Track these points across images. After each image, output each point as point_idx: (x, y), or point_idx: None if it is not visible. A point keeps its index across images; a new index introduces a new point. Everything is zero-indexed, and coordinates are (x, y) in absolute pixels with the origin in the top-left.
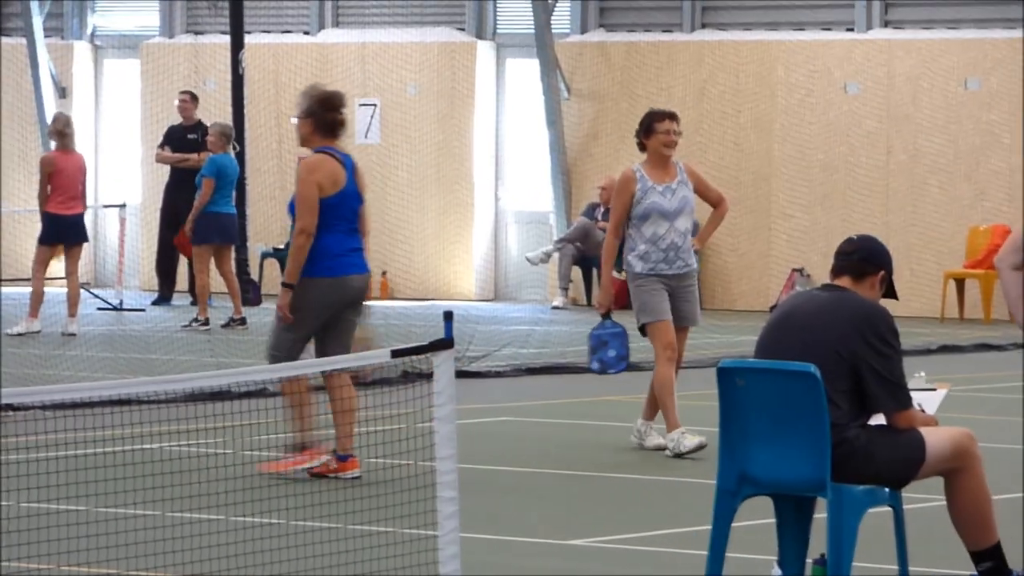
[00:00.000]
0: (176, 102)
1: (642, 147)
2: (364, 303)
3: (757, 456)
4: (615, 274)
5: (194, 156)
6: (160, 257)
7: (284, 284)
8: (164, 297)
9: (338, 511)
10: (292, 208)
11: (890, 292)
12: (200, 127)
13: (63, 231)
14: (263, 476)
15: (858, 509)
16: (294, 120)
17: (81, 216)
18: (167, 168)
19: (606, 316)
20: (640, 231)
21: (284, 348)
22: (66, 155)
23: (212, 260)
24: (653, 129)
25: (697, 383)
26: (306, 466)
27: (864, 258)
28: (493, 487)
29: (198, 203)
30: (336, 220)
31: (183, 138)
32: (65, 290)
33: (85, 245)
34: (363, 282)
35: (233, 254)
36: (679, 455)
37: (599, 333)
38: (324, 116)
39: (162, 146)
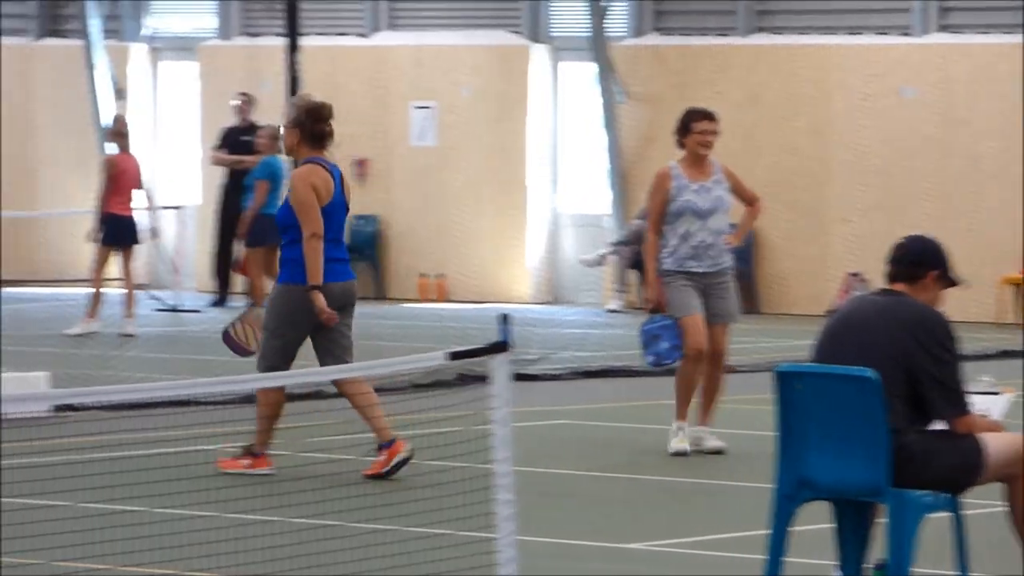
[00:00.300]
0: (234, 102)
1: (681, 145)
2: (352, 308)
3: (816, 460)
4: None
5: (249, 158)
6: (217, 258)
7: (311, 287)
8: (221, 298)
9: (395, 513)
10: (279, 218)
11: (952, 282)
12: (254, 129)
13: (123, 232)
14: (321, 478)
15: (918, 514)
16: (282, 129)
17: (132, 218)
18: (223, 169)
19: (654, 311)
20: (673, 228)
21: (268, 356)
22: (125, 157)
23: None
24: (690, 128)
25: (754, 387)
26: (242, 471)
27: (913, 261)
28: (550, 490)
29: (253, 206)
30: (324, 229)
31: (238, 140)
32: (123, 291)
33: (144, 246)
34: (347, 288)
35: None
36: (670, 451)
37: (649, 328)
38: (312, 127)
39: (218, 148)
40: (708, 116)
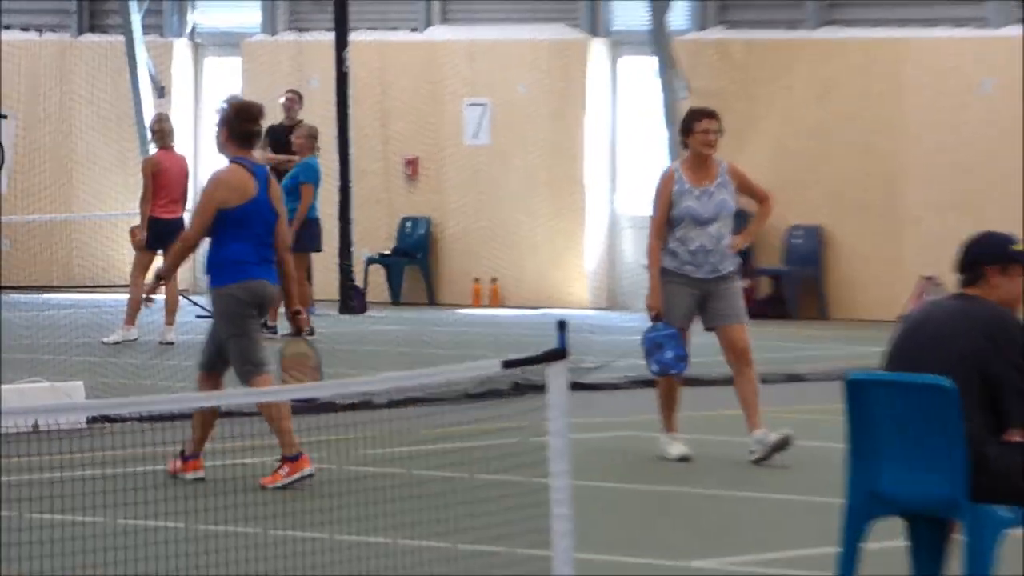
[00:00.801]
0: (282, 100)
1: (685, 146)
2: (266, 313)
3: (888, 474)
4: (741, 283)
5: (297, 157)
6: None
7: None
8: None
9: (447, 529)
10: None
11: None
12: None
13: (164, 236)
14: (366, 491)
15: (996, 530)
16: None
17: (182, 220)
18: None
19: (657, 318)
20: (673, 232)
21: (255, 358)
22: (168, 156)
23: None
24: (692, 128)
25: (823, 396)
26: (186, 475)
27: (970, 262)
28: (609, 504)
29: (301, 209)
30: (244, 231)
31: (286, 139)
32: (162, 297)
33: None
34: (271, 290)
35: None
36: (664, 458)
37: (653, 336)
38: (239, 127)
39: (264, 146)
40: (710, 115)
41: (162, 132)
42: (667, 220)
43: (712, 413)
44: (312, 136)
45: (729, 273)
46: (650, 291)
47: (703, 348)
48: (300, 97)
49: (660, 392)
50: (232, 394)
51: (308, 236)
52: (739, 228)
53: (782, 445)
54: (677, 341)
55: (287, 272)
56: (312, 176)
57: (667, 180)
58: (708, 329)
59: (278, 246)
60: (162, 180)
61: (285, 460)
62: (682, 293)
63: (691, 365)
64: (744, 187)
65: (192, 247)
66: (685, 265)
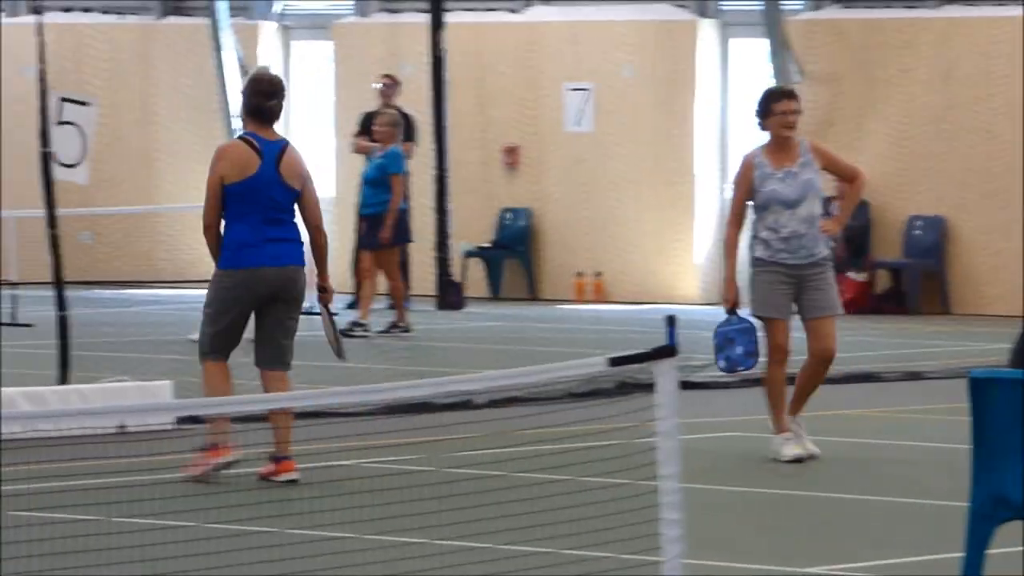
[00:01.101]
0: (377, 85)
1: (764, 128)
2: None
3: (1014, 476)
4: (854, 275)
5: (378, 145)
6: (357, 256)
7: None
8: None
9: (550, 534)
10: None
11: None
12: (402, 115)
13: None
14: (466, 495)
15: None
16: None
17: None
18: (363, 158)
19: (732, 311)
20: (762, 220)
21: (203, 343)
22: None
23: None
24: (770, 110)
25: (946, 394)
26: (218, 461)
27: None
28: (720, 508)
29: (396, 201)
30: (246, 209)
31: None
32: None
33: None
34: (278, 275)
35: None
36: (777, 459)
37: (725, 330)
38: (251, 101)
39: (358, 134)
40: (789, 95)
41: None
42: (752, 207)
43: (827, 413)
44: (395, 124)
45: (824, 258)
46: (725, 282)
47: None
48: (396, 82)
49: (767, 391)
50: (326, 393)
51: (398, 228)
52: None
53: (794, 462)
54: (750, 337)
55: (318, 249)
56: (400, 166)
57: (747, 166)
58: (803, 320)
59: (308, 224)
60: None
61: (278, 459)
62: (778, 283)
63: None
64: (830, 165)
65: (210, 229)
66: (779, 253)
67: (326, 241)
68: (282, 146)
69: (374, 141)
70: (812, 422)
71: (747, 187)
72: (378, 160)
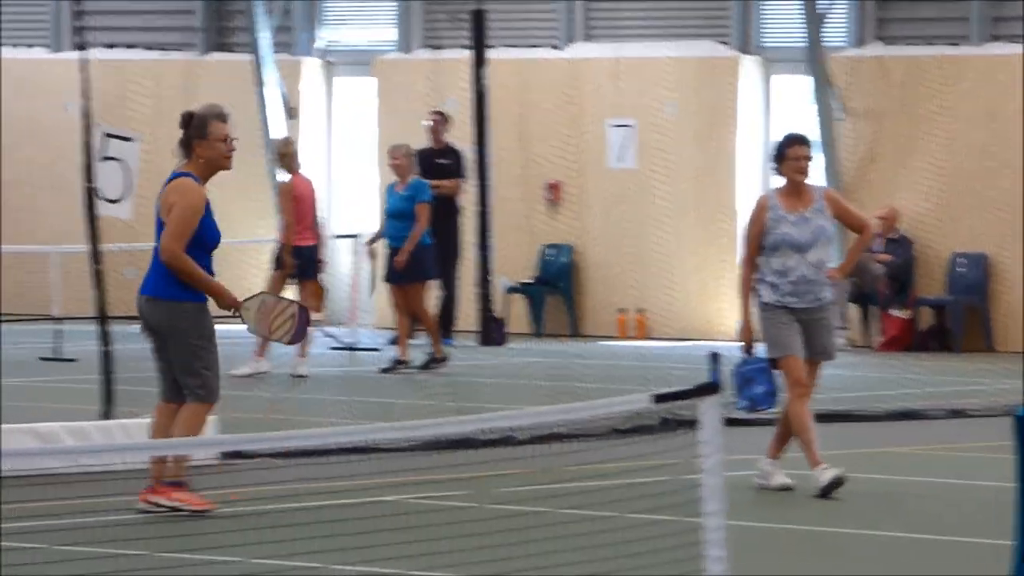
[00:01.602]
0: (426, 123)
1: (778, 173)
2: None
3: None
4: (897, 312)
5: (446, 183)
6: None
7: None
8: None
9: (595, 571)
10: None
11: None
12: (451, 151)
13: (300, 263)
14: (509, 531)
15: None
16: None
17: (315, 248)
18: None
19: (748, 351)
20: (769, 262)
21: (214, 374)
22: (301, 181)
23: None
24: (785, 155)
25: (990, 433)
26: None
27: None
28: (764, 545)
29: (419, 231)
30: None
31: (433, 163)
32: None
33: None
34: (138, 303)
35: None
36: (823, 494)
37: (744, 370)
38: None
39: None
40: (802, 141)
41: (290, 156)
42: (760, 250)
43: (871, 450)
44: (410, 155)
45: (828, 303)
46: (741, 324)
47: (860, 382)
48: (445, 119)
49: (795, 427)
50: (370, 429)
51: (422, 263)
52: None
53: (782, 489)
54: (768, 376)
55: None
56: (428, 194)
57: (761, 207)
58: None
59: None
60: (298, 206)
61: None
62: (788, 323)
63: (852, 401)
64: (841, 214)
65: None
66: (786, 296)
67: (177, 266)
68: (170, 179)
69: (429, 178)
70: (856, 459)
71: (760, 228)
72: (404, 192)
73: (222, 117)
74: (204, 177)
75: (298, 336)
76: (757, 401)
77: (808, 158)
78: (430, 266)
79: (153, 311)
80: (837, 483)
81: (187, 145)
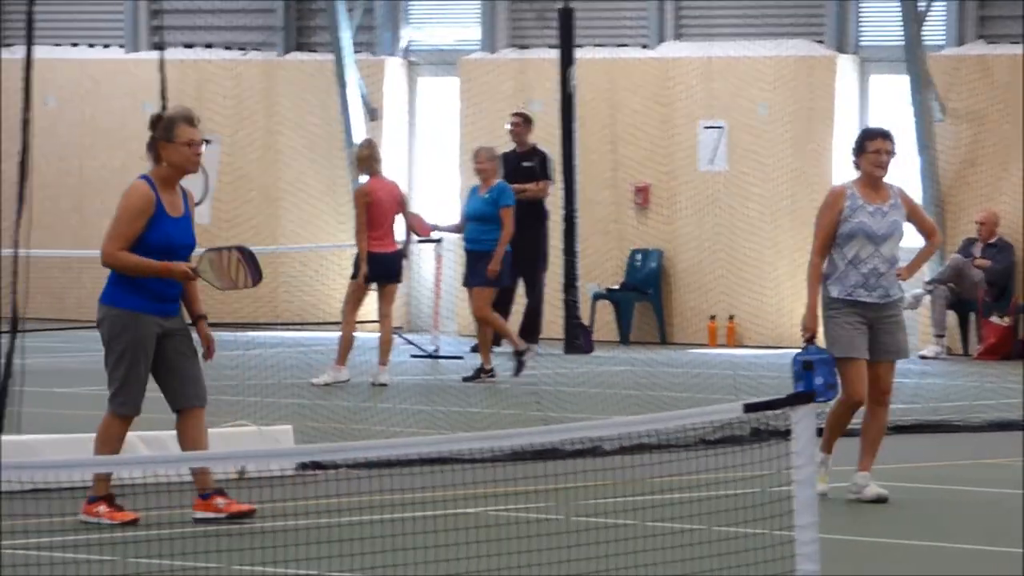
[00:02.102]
0: (507, 125)
1: (856, 166)
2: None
3: None
4: (997, 320)
5: (531, 186)
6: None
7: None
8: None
9: None
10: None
11: None
12: (536, 153)
13: (380, 269)
14: (595, 544)
15: None
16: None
17: (396, 253)
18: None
19: (811, 340)
20: (842, 251)
21: (135, 387)
22: (381, 184)
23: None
24: (864, 148)
25: None
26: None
27: None
28: (859, 560)
29: (508, 235)
30: None
31: (518, 166)
32: (375, 335)
33: (399, 286)
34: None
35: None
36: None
37: (804, 358)
38: None
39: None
40: (884, 135)
41: (372, 158)
42: (833, 238)
43: (968, 462)
44: (495, 158)
45: (898, 299)
46: (807, 311)
47: (958, 391)
48: (528, 120)
49: (829, 422)
50: (453, 439)
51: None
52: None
53: (876, 502)
54: (830, 368)
55: None
56: (512, 199)
57: (838, 195)
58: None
59: None
60: (375, 211)
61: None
62: (854, 322)
63: (950, 411)
64: (914, 216)
65: None
66: (856, 289)
67: (117, 265)
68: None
69: (513, 183)
70: (953, 471)
71: (835, 216)
72: (486, 195)
73: (190, 120)
74: (169, 181)
75: (256, 273)
76: (817, 392)
77: (889, 153)
78: (503, 271)
79: (98, 316)
80: (879, 500)
81: (154, 148)
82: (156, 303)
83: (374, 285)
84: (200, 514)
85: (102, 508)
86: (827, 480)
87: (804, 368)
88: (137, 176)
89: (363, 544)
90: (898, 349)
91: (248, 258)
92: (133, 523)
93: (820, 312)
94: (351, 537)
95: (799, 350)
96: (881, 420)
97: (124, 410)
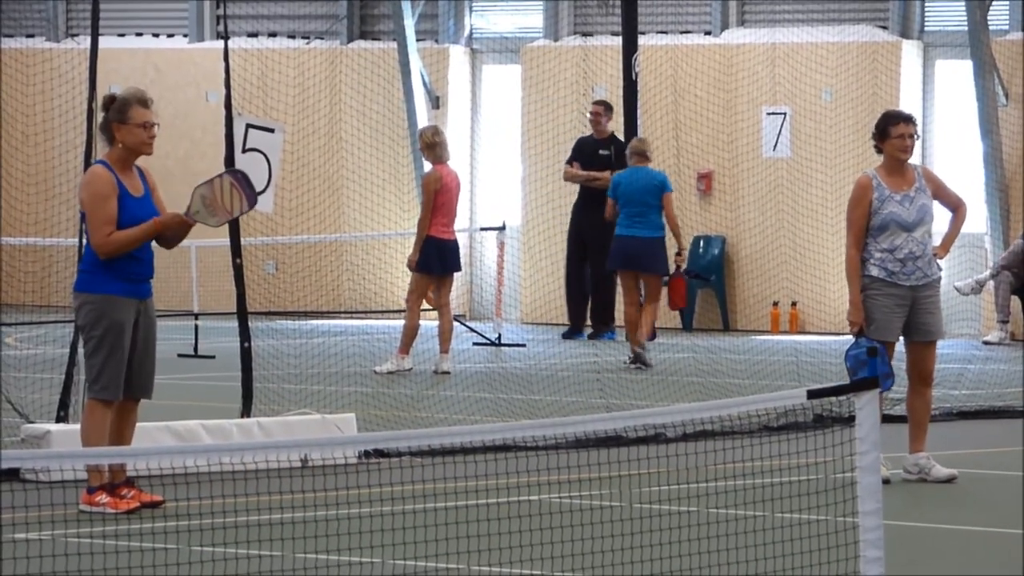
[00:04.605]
0: (587, 114)
1: (879, 151)
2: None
3: None
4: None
5: (606, 174)
6: (569, 285)
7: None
8: (576, 330)
9: (747, 571)
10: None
11: None
12: (613, 142)
13: (443, 257)
14: (659, 531)
15: None
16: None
17: (457, 242)
18: (574, 187)
19: (859, 334)
20: (877, 241)
21: (114, 371)
22: (448, 172)
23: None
24: (888, 133)
25: None
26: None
27: None
28: (922, 546)
29: (675, 221)
30: None
31: (594, 153)
32: (437, 323)
33: (457, 274)
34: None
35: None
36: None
37: (856, 352)
38: None
39: (571, 161)
40: (907, 119)
41: (440, 145)
42: (868, 229)
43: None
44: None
45: (936, 279)
46: (851, 305)
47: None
48: (609, 108)
49: (912, 409)
50: (515, 427)
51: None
52: None
53: (947, 481)
54: (883, 358)
55: None
56: (668, 185)
57: (865, 187)
58: (908, 342)
59: None
60: (442, 198)
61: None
62: (892, 305)
63: (1013, 396)
64: (939, 193)
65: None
66: (896, 274)
67: (115, 249)
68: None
69: (591, 169)
70: (1017, 457)
71: (865, 210)
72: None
73: (143, 102)
74: (125, 162)
75: (251, 196)
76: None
77: (913, 136)
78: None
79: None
80: (950, 480)
81: (107, 129)
82: (131, 284)
83: (440, 273)
84: (85, 507)
85: (102, 498)
86: (888, 467)
87: (869, 354)
88: (95, 162)
89: (426, 532)
90: (939, 330)
91: (241, 180)
92: (135, 511)
93: (860, 303)
94: (413, 525)
95: (851, 344)
96: (927, 399)
97: (105, 395)
